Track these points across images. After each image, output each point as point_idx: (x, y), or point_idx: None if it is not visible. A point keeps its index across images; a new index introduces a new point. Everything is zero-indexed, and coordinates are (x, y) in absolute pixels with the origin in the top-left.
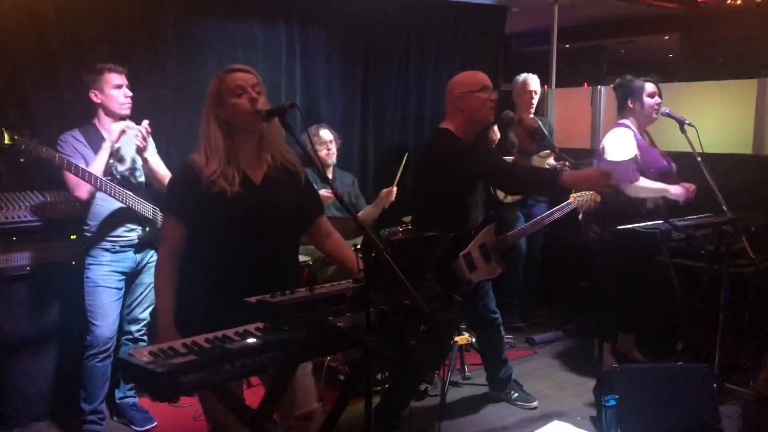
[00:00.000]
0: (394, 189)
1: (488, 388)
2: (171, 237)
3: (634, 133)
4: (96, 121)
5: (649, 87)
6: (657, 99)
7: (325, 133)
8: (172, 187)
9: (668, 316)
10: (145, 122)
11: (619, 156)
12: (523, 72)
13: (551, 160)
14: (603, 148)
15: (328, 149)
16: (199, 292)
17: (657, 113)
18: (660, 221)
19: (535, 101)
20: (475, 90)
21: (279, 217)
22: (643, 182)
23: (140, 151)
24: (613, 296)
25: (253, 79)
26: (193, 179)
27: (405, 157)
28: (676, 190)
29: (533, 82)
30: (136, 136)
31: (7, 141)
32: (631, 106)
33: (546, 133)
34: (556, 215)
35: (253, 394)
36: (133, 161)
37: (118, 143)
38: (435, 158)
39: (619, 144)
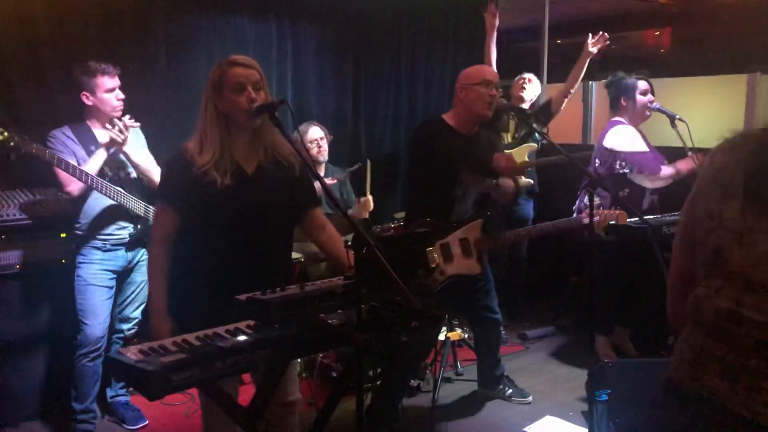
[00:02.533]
0: (369, 197)
1: (478, 385)
2: (163, 224)
3: (635, 128)
4: (88, 121)
5: (642, 84)
6: (650, 96)
7: (314, 131)
8: (164, 174)
9: (660, 311)
10: (126, 117)
11: (634, 146)
12: (518, 69)
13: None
14: (612, 147)
15: (319, 146)
16: (193, 283)
17: (650, 111)
18: (651, 216)
19: (526, 106)
20: (476, 83)
21: (271, 208)
22: (665, 170)
23: (116, 144)
24: (609, 290)
25: (254, 75)
26: (185, 166)
27: (368, 165)
28: (685, 164)
29: (530, 90)
30: (113, 128)
31: None
32: (624, 104)
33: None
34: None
35: (245, 391)
36: (125, 158)
37: (103, 135)
38: (410, 144)
39: (626, 136)
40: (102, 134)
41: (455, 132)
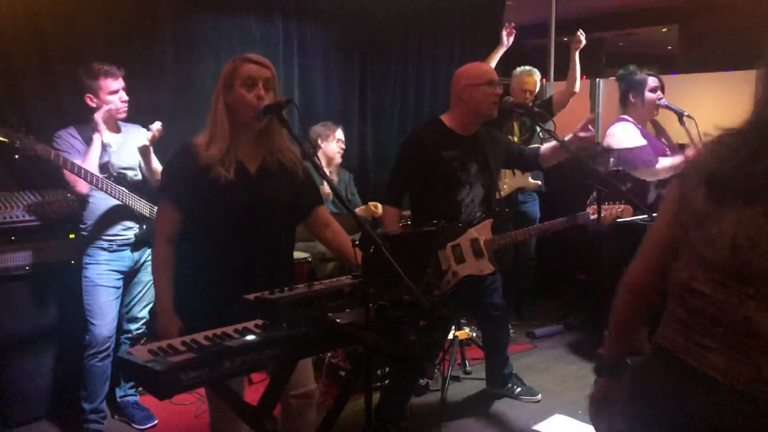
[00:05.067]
0: (373, 204)
1: (487, 384)
2: (166, 221)
3: (635, 125)
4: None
5: (652, 81)
6: (659, 94)
7: (340, 132)
8: (167, 170)
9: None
10: (158, 123)
11: (628, 142)
12: (522, 65)
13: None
14: (609, 145)
15: (341, 148)
16: (198, 282)
17: (658, 108)
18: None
19: (529, 101)
20: (481, 83)
21: (273, 208)
22: (662, 163)
23: (145, 150)
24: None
25: (266, 73)
26: (189, 160)
27: None
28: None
29: (531, 80)
30: (147, 135)
31: (1, 138)
32: (632, 100)
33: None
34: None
35: (255, 391)
36: (131, 159)
37: (114, 141)
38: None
39: (624, 134)
40: (107, 135)
41: (453, 134)
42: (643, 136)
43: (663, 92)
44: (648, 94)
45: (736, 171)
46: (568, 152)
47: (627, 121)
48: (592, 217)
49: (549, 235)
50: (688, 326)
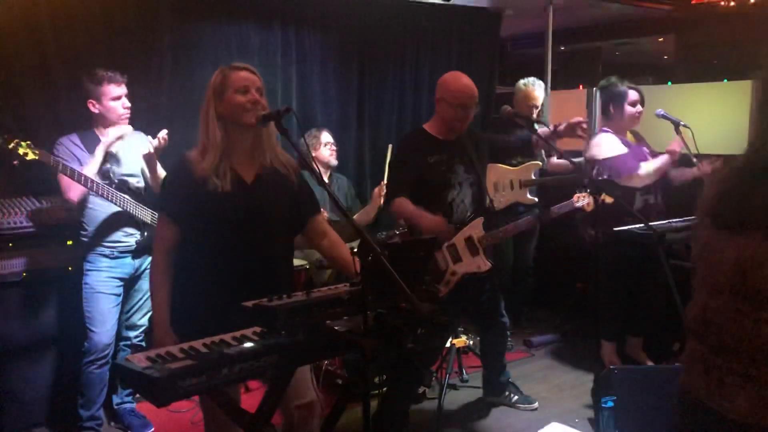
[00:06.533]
0: (383, 184)
1: (484, 392)
2: (165, 235)
3: (615, 135)
4: (95, 129)
5: (632, 95)
6: (639, 108)
7: (327, 135)
8: (164, 184)
9: (666, 318)
10: (164, 132)
11: (610, 152)
12: (522, 76)
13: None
14: (592, 156)
15: (332, 150)
16: (195, 293)
17: (637, 121)
18: (659, 222)
19: (534, 114)
20: (453, 103)
21: (271, 217)
22: (645, 168)
23: (150, 158)
24: (615, 298)
25: (257, 81)
26: (185, 175)
27: (389, 150)
28: (668, 151)
29: (537, 93)
30: (151, 144)
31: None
32: (612, 111)
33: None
34: (553, 215)
35: (251, 398)
36: (133, 166)
37: (115, 148)
38: None
39: (606, 144)
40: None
41: (436, 140)
42: (624, 145)
43: (643, 105)
44: (627, 108)
45: (735, 207)
46: (558, 137)
47: (607, 132)
48: (577, 204)
49: (541, 224)
50: (709, 366)
